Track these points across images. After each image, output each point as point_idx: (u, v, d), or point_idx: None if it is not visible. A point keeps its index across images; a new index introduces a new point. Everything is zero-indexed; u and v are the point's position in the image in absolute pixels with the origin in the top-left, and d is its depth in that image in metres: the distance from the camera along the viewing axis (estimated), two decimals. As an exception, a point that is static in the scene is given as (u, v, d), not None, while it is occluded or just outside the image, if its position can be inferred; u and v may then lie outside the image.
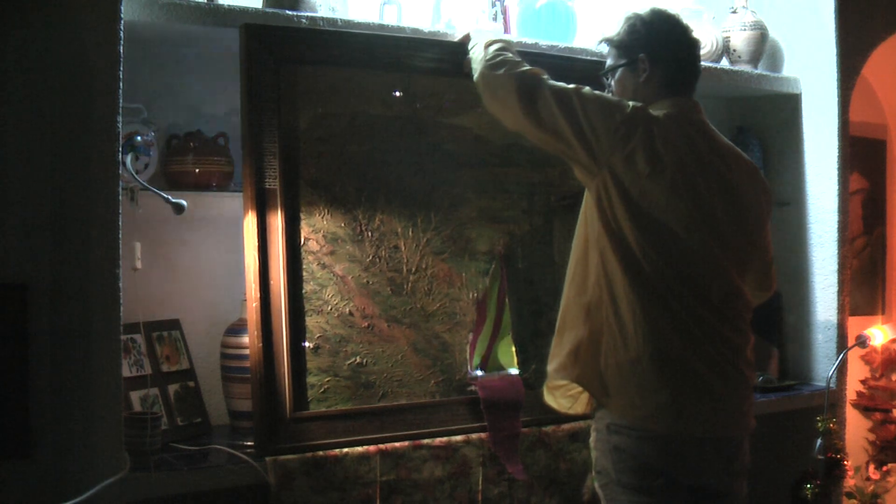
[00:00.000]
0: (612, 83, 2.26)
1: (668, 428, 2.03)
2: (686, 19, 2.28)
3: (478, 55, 2.31)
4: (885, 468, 3.66)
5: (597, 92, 2.15)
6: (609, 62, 2.26)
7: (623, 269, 2.03)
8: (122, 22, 2.04)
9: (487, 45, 2.31)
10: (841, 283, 3.19)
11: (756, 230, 2.19)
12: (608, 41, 2.25)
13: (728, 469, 2.09)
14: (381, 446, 2.26)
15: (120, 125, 2.05)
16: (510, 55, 2.27)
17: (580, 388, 2.16)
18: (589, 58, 2.71)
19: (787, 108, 3.29)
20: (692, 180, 2.07)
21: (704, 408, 2.05)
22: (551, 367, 2.17)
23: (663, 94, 2.17)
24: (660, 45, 2.18)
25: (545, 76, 2.19)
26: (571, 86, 2.15)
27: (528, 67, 2.21)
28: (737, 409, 2.10)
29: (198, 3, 2.25)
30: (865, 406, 3.77)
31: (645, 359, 2.02)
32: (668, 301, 2.04)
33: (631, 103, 2.12)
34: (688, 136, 2.12)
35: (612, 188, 2.04)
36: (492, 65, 2.24)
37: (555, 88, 2.14)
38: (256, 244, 2.22)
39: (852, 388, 3.58)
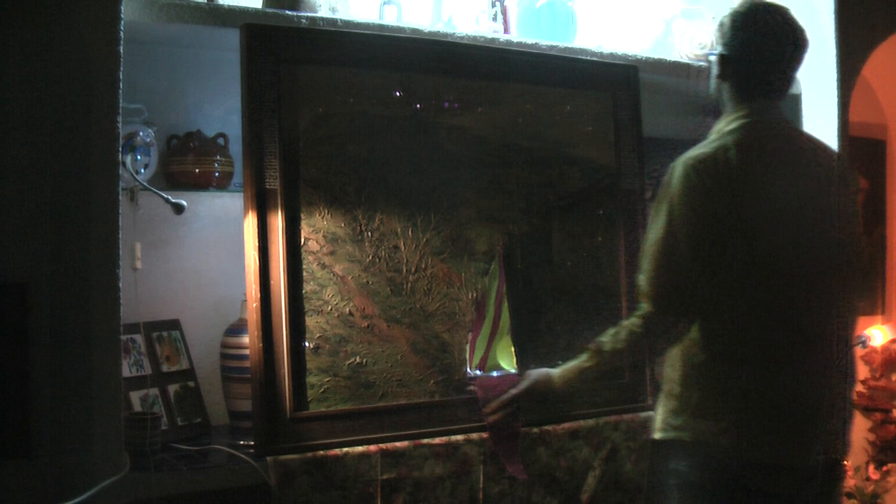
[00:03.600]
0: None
1: (742, 456, 1.99)
2: (761, 18, 2.09)
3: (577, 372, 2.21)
4: (885, 468, 3.66)
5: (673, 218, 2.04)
6: None
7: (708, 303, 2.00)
8: (122, 22, 2.04)
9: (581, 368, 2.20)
10: (841, 283, 3.19)
11: (844, 228, 2.10)
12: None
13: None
14: (382, 445, 2.26)
15: (120, 125, 2.05)
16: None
17: None
18: (589, 58, 2.72)
19: (786, 108, 3.28)
20: (765, 203, 2.00)
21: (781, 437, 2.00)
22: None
23: (737, 98, 2.09)
24: (733, 44, 2.07)
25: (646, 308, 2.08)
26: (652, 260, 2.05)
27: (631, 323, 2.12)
28: (817, 435, 2.03)
29: (198, 3, 2.25)
30: (865, 406, 3.77)
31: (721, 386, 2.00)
32: (754, 329, 2.01)
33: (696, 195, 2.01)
34: (752, 158, 2.02)
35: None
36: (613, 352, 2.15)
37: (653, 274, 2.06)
38: (257, 244, 2.23)
39: (852, 388, 3.58)
